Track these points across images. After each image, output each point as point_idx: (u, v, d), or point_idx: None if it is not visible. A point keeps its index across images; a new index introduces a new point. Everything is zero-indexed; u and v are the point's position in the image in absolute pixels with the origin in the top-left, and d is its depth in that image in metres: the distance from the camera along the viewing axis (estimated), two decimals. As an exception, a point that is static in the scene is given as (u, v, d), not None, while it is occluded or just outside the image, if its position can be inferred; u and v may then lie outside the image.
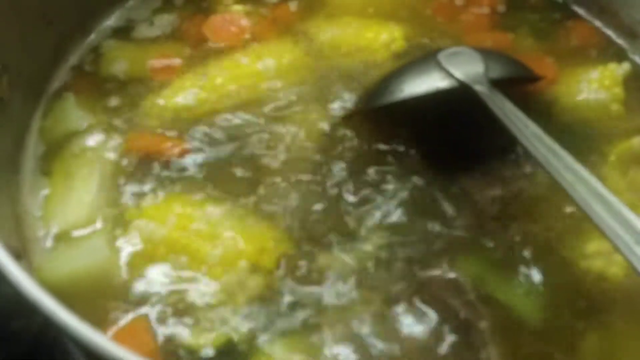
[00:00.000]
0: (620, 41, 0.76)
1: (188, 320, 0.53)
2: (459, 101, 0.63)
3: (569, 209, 0.61)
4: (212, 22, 0.75)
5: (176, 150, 0.64)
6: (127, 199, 0.60)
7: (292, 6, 0.79)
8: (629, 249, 0.44)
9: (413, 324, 0.54)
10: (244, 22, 0.76)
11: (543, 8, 0.81)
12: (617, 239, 0.45)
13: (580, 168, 0.50)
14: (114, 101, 0.68)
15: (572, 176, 0.50)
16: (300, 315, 0.54)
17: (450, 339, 0.53)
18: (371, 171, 0.63)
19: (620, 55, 0.75)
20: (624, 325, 0.56)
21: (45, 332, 0.68)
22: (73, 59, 0.71)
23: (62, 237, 0.57)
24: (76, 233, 0.57)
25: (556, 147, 0.52)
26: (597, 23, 0.78)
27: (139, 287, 0.54)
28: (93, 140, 0.64)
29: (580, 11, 0.79)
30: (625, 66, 0.72)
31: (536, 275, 0.57)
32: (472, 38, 0.75)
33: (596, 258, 0.58)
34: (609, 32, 0.77)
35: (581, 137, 0.67)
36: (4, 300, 0.69)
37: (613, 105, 0.70)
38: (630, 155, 0.65)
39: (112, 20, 0.75)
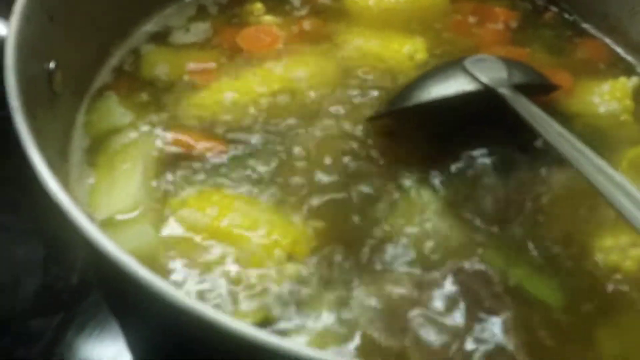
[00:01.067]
0: (628, 57, 0.81)
1: (228, 300, 0.56)
2: (479, 106, 0.67)
3: (583, 209, 0.65)
4: (245, 33, 0.79)
5: (213, 147, 0.67)
6: (169, 190, 0.63)
7: (319, 18, 0.83)
8: None
9: (440, 311, 0.57)
10: (276, 32, 0.80)
11: (555, 25, 0.86)
12: (634, 220, 0.48)
13: (601, 161, 0.54)
14: (153, 100, 0.71)
15: (595, 169, 0.54)
16: (332, 295, 0.56)
17: (474, 325, 0.56)
18: (401, 171, 0.66)
19: (629, 70, 0.80)
20: (636, 316, 0.59)
21: (63, 331, 0.71)
22: (114, 61, 0.75)
23: (108, 223, 0.60)
24: (122, 219, 0.60)
25: (578, 143, 0.56)
26: (607, 40, 0.83)
27: (184, 270, 0.57)
28: (134, 136, 0.67)
29: (591, 29, 0.84)
30: (635, 80, 0.76)
31: (557, 269, 0.60)
32: (489, 51, 0.79)
33: (611, 252, 0.61)
34: (618, 49, 0.82)
35: (595, 144, 0.70)
36: (23, 300, 0.72)
37: (623, 116, 0.74)
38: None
39: (150, 26, 0.79)
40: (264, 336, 0.38)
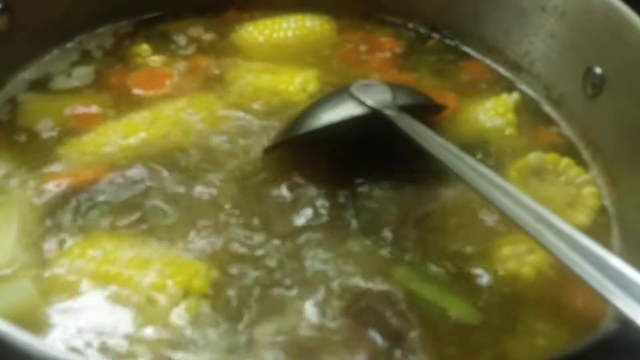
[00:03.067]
0: (508, 74, 0.85)
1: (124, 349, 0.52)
2: (369, 129, 0.68)
3: (479, 222, 0.66)
4: (137, 74, 0.78)
5: (97, 191, 0.64)
6: (49, 240, 0.59)
7: (208, 55, 0.83)
8: (536, 231, 0.49)
9: (346, 337, 0.56)
10: (167, 73, 0.78)
11: (438, 51, 0.89)
12: (525, 225, 0.50)
13: (482, 167, 0.56)
14: (30, 149, 0.68)
15: (477, 174, 0.55)
16: (236, 336, 0.54)
17: (381, 348, 0.55)
18: (295, 197, 0.66)
19: (509, 87, 0.84)
20: (540, 320, 0.60)
21: None
22: (-12, 111, 0.71)
23: (-17, 282, 0.55)
24: (-1, 276, 0.55)
25: (461, 153, 0.58)
26: (487, 60, 0.87)
27: (68, 322, 0.53)
28: (9, 186, 0.63)
29: (471, 51, 0.88)
30: (515, 95, 0.80)
31: (459, 281, 0.61)
32: (378, 79, 0.82)
33: (509, 260, 0.62)
34: (498, 68, 0.86)
35: (485, 158, 0.73)
36: None
37: (508, 129, 0.77)
38: (528, 170, 0.72)
39: (28, 73, 0.76)
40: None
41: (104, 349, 0.52)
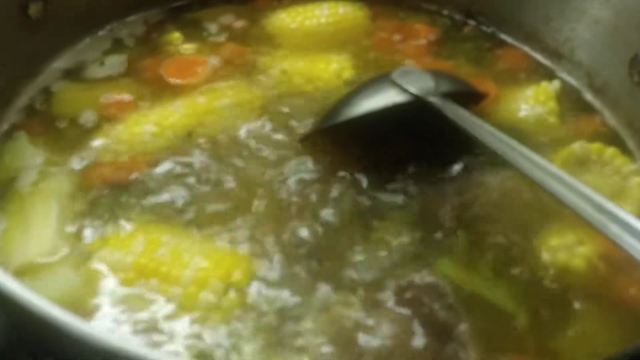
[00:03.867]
0: (547, 62, 0.83)
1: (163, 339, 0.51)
2: (409, 118, 0.67)
3: (523, 210, 0.64)
4: (170, 63, 0.76)
5: (134, 181, 0.63)
6: (88, 230, 0.58)
7: (240, 44, 0.81)
8: (599, 222, 0.47)
9: (393, 329, 0.54)
10: (201, 61, 0.77)
11: (475, 38, 0.87)
12: (586, 215, 0.48)
13: (534, 154, 0.54)
14: (67, 138, 0.67)
15: (529, 162, 0.54)
16: (278, 327, 0.53)
17: (430, 342, 0.54)
18: (336, 187, 0.64)
19: (549, 75, 0.82)
20: (590, 313, 0.58)
21: None
22: (23, 100, 0.70)
23: (26, 269, 0.54)
24: (40, 262, 0.54)
25: (512, 141, 0.56)
26: (525, 48, 0.85)
27: (112, 312, 0.52)
28: (48, 175, 0.62)
29: (509, 39, 0.86)
30: (556, 83, 0.78)
31: (506, 272, 0.59)
32: (414, 66, 0.80)
33: (559, 251, 0.60)
34: (537, 56, 0.84)
35: (527, 147, 0.71)
36: None
37: (550, 118, 0.75)
38: (573, 159, 0.69)
39: (61, 62, 0.75)
40: None
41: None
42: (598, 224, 0.47)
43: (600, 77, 0.78)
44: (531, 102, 0.76)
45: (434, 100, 0.63)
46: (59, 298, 0.51)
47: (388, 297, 0.56)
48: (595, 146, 0.70)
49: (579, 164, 0.70)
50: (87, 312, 0.52)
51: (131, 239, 0.56)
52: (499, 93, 0.78)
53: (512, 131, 0.72)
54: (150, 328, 0.52)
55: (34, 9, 0.69)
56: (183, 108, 0.71)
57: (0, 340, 0.67)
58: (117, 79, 0.74)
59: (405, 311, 0.55)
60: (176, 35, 0.80)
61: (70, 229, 0.58)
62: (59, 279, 0.53)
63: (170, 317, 0.52)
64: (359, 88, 0.68)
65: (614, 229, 0.46)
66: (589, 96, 0.79)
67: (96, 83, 0.74)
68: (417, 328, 0.53)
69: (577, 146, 0.70)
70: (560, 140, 0.73)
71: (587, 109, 0.78)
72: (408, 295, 0.56)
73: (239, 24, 0.84)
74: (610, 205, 0.47)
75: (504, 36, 0.87)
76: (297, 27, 0.84)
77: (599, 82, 0.78)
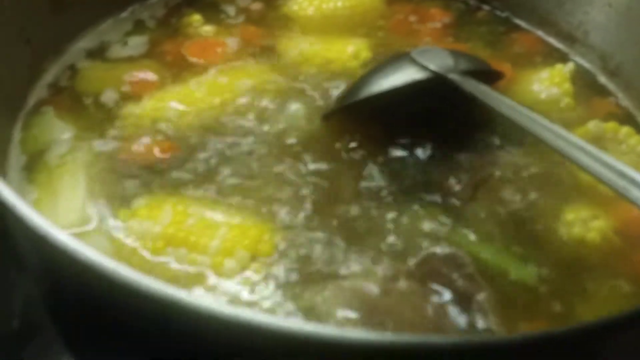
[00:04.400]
0: (561, 46, 0.84)
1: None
2: (429, 95, 0.68)
3: (540, 190, 0.65)
4: (192, 43, 0.78)
5: (159, 154, 0.64)
6: (115, 201, 0.60)
7: (259, 26, 0.83)
8: (621, 187, 0.48)
9: (413, 298, 0.55)
10: (222, 42, 0.78)
11: (489, 22, 0.88)
12: (610, 181, 0.49)
13: (556, 126, 0.55)
14: (93, 113, 0.68)
15: (552, 134, 0.55)
16: (304, 293, 0.54)
17: (451, 311, 0.55)
18: (355, 162, 0.66)
19: (563, 58, 0.83)
20: (606, 285, 0.59)
21: None
22: (49, 77, 0.71)
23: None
24: (72, 234, 0.56)
25: (532, 113, 0.57)
26: (540, 32, 0.86)
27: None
28: (75, 148, 0.64)
29: (523, 23, 0.87)
30: (570, 65, 0.79)
31: (524, 245, 0.60)
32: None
33: (574, 225, 0.62)
34: (551, 40, 0.85)
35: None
36: None
37: (565, 99, 0.76)
38: (588, 138, 0.70)
39: (85, 42, 0.76)
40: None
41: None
42: (621, 189, 0.48)
43: (613, 59, 0.80)
44: (546, 84, 0.77)
45: (454, 77, 0.64)
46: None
47: (409, 268, 0.57)
48: (610, 125, 0.72)
49: (594, 142, 0.70)
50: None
51: (159, 210, 0.58)
52: (514, 75, 0.79)
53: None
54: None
55: (60, -11, 0.71)
56: (205, 86, 0.72)
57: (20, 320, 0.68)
58: (139, 59, 0.76)
59: (424, 282, 0.56)
60: (196, 17, 0.82)
61: (99, 200, 0.59)
62: (94, 247, 0.54)
63: (197, 284, 0.53)
64: (380, 66, 0.69)
65: (636, 193, 0.47)
66: (602, 79, 0.80)
67: (119, 62, 0.75)
68: (437, 297, 0.54)
69: (592, 125, 0.71)
70: (574, 120, 0.74)
71: (601, 91, 0.79)
72: (428, 266, 0.57)
73: (256, 6, 0.86)
74: (632, 172, 0.49)
75: (518, 20, 0.88)
76: (314, 11, 0.85)
77: (612, 64, 0.80)
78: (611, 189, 0.50)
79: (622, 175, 0.49)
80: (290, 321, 0.41)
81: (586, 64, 0.82)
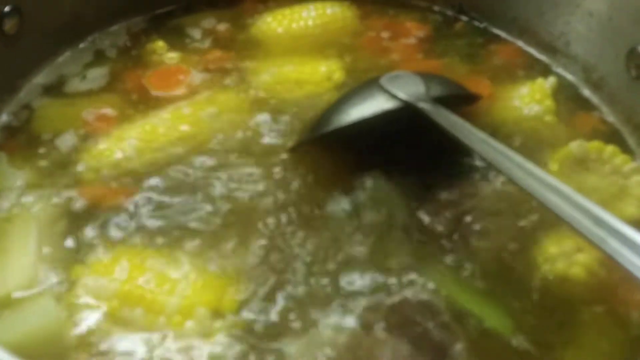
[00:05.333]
0: (543, 57, 0.80)
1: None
2: (400, 124, 0.64)
3: (518, 219, 0.62)
4: (153, 73, 0.74)
5: (118, 201, 0.61)
6: (70, 256, 0.57)
7: (226, 50, 0.79)
8: (585, 228, 0.45)
9: (387, 352, 0.52)
10: (185, 70, 0.75)
11: (466, 34, 0.85)
12: (573, 221, 0.46)
13: (530, 164, 0.52)
14: (49, 157, 0.65)
15: (524, 172, 0.52)
16: (268, 351, 0.51)
17: (427, 360, 0.52)
18: (325, 200, 0.62)
19: (545, 70, 0.79)
20: (593, 322, 0.56)
21: None
22: (3, 118, 0.68)
23: (5, 304, 0.52)
24: (19, 297, 0.53)
25: (504, 148, 0.54)
26: (520, 43, 0.82)
27: (97, 344, 0.50)
28: (27, 198, 0.61)
29: (502, 33, 0.83)
30: (552, 80, 0.76)
31: (504, 286, 0.57)
32: (405, 66, 0.77)
33: (557, 260, 0.59)
34: (532, 50, 0.81)
35: (523, 148, 0.69)
36: None
37: (546, 116, 0.73)
38: (571, 159, 0.67)
39: (41, 77, 0.73)
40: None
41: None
42: (596, 239, 0.45)
43: (597, 71, 0.76)
44: (527, 100, 0.74)
45: (424, 106, 0.61)
46: (38, 332, 0.50)
47: (381, 317, 0.54)
48: (594, 145, 0.68)
49: (578, 164, 0.67)
50: (69, 345, 0.50)
51: (115, 264, 0.55)
52: (494, 91, 0.76)
53: (509, 132, 0.71)
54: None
55: (9, 25, 0.67)
56: (167, 121, 0.69)
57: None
58: (100, 93, 0.72)
59: (398, 332, 0.53)
60: (160, 44, 0.78)
61: (51, 255, 0.56)
62: (40, 312, 0.51)
63: (156, 348, 0.50)
64: (348, 95, 0.66)
65: (613, 244, 0.44)
66: (586, 92, 0.77)
67: (78, 98, 0.72)
68: (411, 349, 0.51)
69: (575, 145, 0.68)
70: (557, 139, 0.71)
71: (585, 105, 0.76)
72: (401, 314, 0.54)
73: (223, 28, 0.82)
74: (609, 218, 0.45)
75: (497, 31, 0.84)
76: (284, 30, 0.81)
77: (595, 77, 0.76)
78: (585, 237, 0.46)
79: (599, 221, 0.45)
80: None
81: (569, 76, 0.79)
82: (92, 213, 0.60)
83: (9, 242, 0.56)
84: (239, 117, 0.71)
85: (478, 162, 0.66)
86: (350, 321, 0.53)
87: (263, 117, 0.71)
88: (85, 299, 0.53)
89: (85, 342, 0.51)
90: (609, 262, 0.57)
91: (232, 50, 0.79)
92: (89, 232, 0.58)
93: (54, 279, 0.54)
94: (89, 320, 0.52)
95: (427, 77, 0.66)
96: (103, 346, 0.51)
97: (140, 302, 0.52)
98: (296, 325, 0.53)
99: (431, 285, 0.56)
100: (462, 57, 0.81)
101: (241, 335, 0.52)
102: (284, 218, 0.60)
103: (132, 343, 0.51)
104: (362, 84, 0.67)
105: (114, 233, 0.58)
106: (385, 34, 0.83)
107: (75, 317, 0.52)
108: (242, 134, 0.69)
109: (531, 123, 0.72)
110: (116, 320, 0.52)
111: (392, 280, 0.56)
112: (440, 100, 0.63)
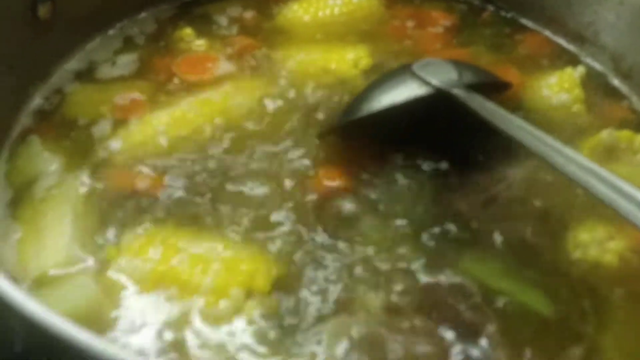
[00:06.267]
0: (571, 47, 0.80)
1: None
2: (431, 110, 0.64)
3: (551, 204, 0.62)
4: (182, 60, 0.75)
5: (149, 184, 0.61)
6: (104, 237, 0.57)
7: (253, 38, 0.79)
8: (620, 206, 0.45)
9: (418, 334, 0.53)
10: (214, 57, 0.75)
11: (494, 23, 0.84)
12: (620, 209, 0.46)
13: (566, 148, 0.52)
14: (81, 141, 0.65)
15: (557, 154, 0.52)
16: (302, 333, 0.51)
17: (458, 345, 0.52)
18: (355, 186, 0.62)
19: (573, 60, 0.79)
20: (625, 309, 0.56)
21: None
22: (36, 103, 0.69)
23: (43, 281, 0.53)
24: (56, 274, 0.53)
25: (540, 133, 0.54)
26: (547, 33, 0.82)
27: (133, 322, 0.51)
28: (62, 181, 0.61)
29: (530, 23, 0.83)
30: (581, 69, 0.75)
31: (536, 270, 0.57)
32: (431, 55, 0.76)
33: (589, 247, 0.58)
34: (560, 40, 0.81)
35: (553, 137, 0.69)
36: None
37: (575, 106, 0.73)
38: (601, 148, 0.67)
39: (72, 63, 0.73)
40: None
41: (164, 350, 0.50)
42: (630, 215, 0.45)
43: (626, 61, 0.76)
44: (555, 90, 0.74)
45: (457, 92, 0.61)
46: (77, 310, 0.50)
47: (413, 300, 0.54)
48: (624, 134, 0.68)
49: (608, 153, 0.67)
50: (106, 323, 0.50)
51: (148, 245, 0.55)
52: (522, 81, 0.75)
53: (537, 121, 0.70)
54: (174, 340, 0.50)
55: (43, 10, 0.68)
56: (197, 106, 0.69)
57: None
58: (130, 79, 0.73)
59: (431, 314, 0.53)
60: (187, 32, 0.79)
61: (86, 237, 0.56)
62: (76, 291, 0.52)
63: (191, 326, 0.51)
64: (379, 81, 0.66)
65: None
66: (615, 81, 0.77)
67: (108, 83, 0.72)
68: (444, 331, 0.51)
69: (605, 134, 0.68)
70: (587, 128, 0.71)
71: (614, 94, 0.76)
72: (433, 297, 0.54)
73: (250, 16, 0.83)
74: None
75: (524, 21, 0.84)
76: (310, 19, 0.82)
77: (625, 66, 0.76)
78: (619, 213, 0.46)
79: (631, 199, 0.46)
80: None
81: (597, 66, 0.78)
82: (124, 195, 0.60)
83: (45, 222, 0.57)
84: (265, 104, 0.71)
85: (508, 150, 0.66)
86: (383, 302, 0.53)
87: (290, 104, 0.71)
88: (120, 278, 0.53)
89: (121, 318, 0.51)
90: (640, 249, 0.58)
91: (259, 38, 0.79)
92: (121, 214, 0.59)
93: (89, 258, 0.55)
94: (124, 299, 0.52)
95: (459, 64, 0.66)
96: (138, 323, 0.51)
97: (175, 281, 0.52)
98: (328, 305, 0.53)
99: (462, 268, 0.55)
100: (488, 47, 0.81)
101: (274, 314, 0.52)
102: (313, 200, 0.60)
103: (166, 320, 0.51)
104: (392, 70, 0.67)
105: (146, 215, 0.58)
106: (410, 23, 0.83)
107: (110, 296, 0.52)
108: (269, 120, 0.69)
109: (560, 112, 0.72)
110: (150, 299, 0.52)
111: (423, 264, 0.56)
112: (471, 88, 0.63)
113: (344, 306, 0.54)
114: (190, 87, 0.72)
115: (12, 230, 0.57)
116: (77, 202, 0.59)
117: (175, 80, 0.73)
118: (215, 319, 0.51)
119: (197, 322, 0.51)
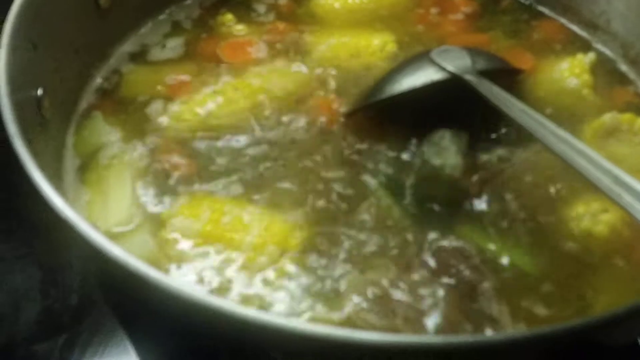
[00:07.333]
0: (583, 34, 0.86)
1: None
2: (447, 95, 0.71)
3: (553, 182, 0.69)
4: (226, 44, 0.82)
5: (197, 157, 0.70)
6: (160, 200, 0.66)
7: (287, 22, 0.87)
8: (614, 193, 0.52)
9: (423, 288, 0.61)
10: (255, 42, 0.83)
11: (512, 10, 0.90)
12: (603, 187, 0.53)
13: (563, 132, 0.59)
14: (136, 116, 0.74)
15: (557, 139, 0.58)
16: (327, 287, 0.60)
17: (457, 299, 0.60)
18: (378, 158, 0.70)
19: (585, 46, 0.85)
20: (614, 276, 0.63)
21: (68, 352, 0.70)
22: (97, 82, 0.78)
23: (108, 238, 0.62)
24: (119, 231, 0.63)
25: (541, 118, 0.60)
26: (562, 20, 0.87)
27: (184, 273, 0.60)
28: (122, 151, 0.70)
29: (546, 10, 0.89)
30: (591, 55, 0.81)
31: (533, 238, 0.64)
32: (453, 41, 0.83)
33: (583, 219, 0.65)
34: (573, 27, 0.87)
35: (562, 119, 0.75)
36: (25, 326, 0.72)
37: (584, 90, 0.78)
38: (604, 130, 0.73)
39: (127, 46, 0.82)
40: (269, 318, 0.41)
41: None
42: (614, 195, 0.52)
43: (635, 48, 0.81)
44: (566, 74, 0.79)
45: (470, 78, 0.67)
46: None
47: (420, 261, 0.62)
48: (626, 116, 0.74)
49: (609, 134, 0.73)
50: (164, 272, 0.60)
51: (198, 208, 0.64)
52: (536, 64, 0.81)
53: (548, 102, 0.77)
54: (219, 286, 0.60)
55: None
56: (239, 87, 0.77)
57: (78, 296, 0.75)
58: (178, 61, 0.81)
59: (436, 272, 0.61)
60: (229, 17, 0.86)
61: (143, 200, 0.66)
62: (136, 245, 0.61)
63: (235, 278, 0.60)
64: (400, 66, 0.73)
65: (627, 199, 0.51)
66: (623, 67, 0.82)
67: (159, 65, 0.81)
68: (445, 286, 0.59)
69: (608, 117, 0.73)
70: (593, 111, 0.76)
71: (622, 79, 0.81)
72: (438, 258, 0.62)
73: (284, 2, 0.89)
74: (627, 178, 0.52)
75: (541, 8, 0.89)
76: (340, 6, 0.89)
77: (633, 53, 0.81)
78: (604, 194, 0.53)
79: (617, 180, 0.52)
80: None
81: (608, 52, 0.84)
82: (174, 165, 0.69)
83: (109, 186, 0.66)
84: (300, 85, 0.78)
85: (515, 132, 0.72)
86: (394, 262, 0.61)
87: (322, 85, 0.78)
88: (174, 235, 0.62)
89: (173, 270, 0.60)
90: (633, 222, 0.64)
91: (293, 23, 0.86)
92: (172, 181, 0.67)
93: (147, 218, 0.64)
94: (179, 251, 0.61)
95: (473, 51, 0.72)
96: (187, 274, 0.60)
97: (220, 239, 0.61)
98: (350, 264, 0.62)
99: (464, 234, 0.63)
100: (506, 33, 0.87)
101: (304, 267, 0.61)
102: (342, 174, 0.68)
103: (212, 270, 0.60)
104: (413, 56, 0.74)
105: (195, 184, 0.67)
106: (434, 10, 0.89)
107: (164, 250, 0.62)
108: (302, 101, 0.77)
109: (570, 95, 0.78)
110: (199, 253, 0.61)
111: (430, 231, 0.64)
112: (485, 74, 0.70)
113: (364, 262, 0.62)
114: (233, 70, 0.80)
115: (82, 192, 0.66)
116: (135, 169, 0.68)
117: (219, 63, 0.81)
118: (254, 271, 0.60)
119: (239, 273, 0.60)
